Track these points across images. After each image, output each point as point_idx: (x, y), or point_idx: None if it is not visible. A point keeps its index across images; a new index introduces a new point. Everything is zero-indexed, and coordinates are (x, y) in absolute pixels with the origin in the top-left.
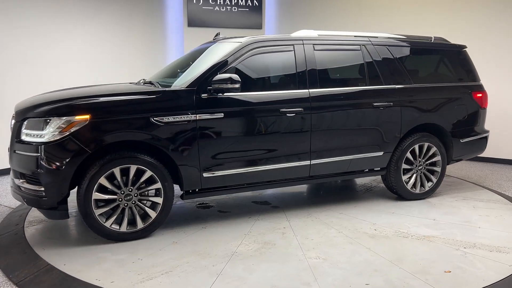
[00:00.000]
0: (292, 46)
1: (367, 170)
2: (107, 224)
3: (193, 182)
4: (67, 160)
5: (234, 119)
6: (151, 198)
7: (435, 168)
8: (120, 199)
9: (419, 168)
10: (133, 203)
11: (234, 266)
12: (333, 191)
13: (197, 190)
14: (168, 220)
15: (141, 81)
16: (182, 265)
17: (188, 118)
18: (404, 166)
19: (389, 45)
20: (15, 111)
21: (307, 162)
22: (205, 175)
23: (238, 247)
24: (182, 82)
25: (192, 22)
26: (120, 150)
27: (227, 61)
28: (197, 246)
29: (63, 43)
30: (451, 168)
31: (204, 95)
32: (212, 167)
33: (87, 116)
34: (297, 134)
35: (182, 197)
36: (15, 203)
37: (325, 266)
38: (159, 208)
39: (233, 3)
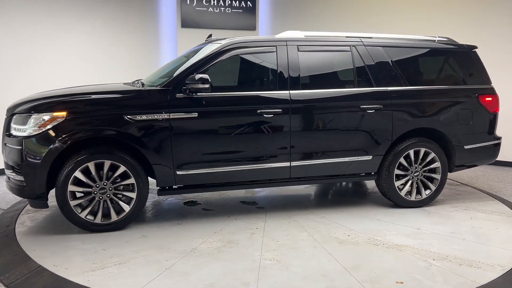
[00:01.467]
0: (274, 47)
1: (355, 174)
2: (82, 215)
3: (167, 179)
4: (44, 153)
5: (208, 119)
6: (125, 193)
7: (434, 175)
8: (95, 192)
9: (415, 174)
10: (107, 197)
11: (186, 262)
12: (340, 194)
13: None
14: (150, 214)
15: (136, 82)
16: (138, 257)
17: (161, 117)
18: (398, 172)
19: (384, 46)
20: (7, 108)
21: (286, 164)
22: (178, 173)
23: (200, 245)
24: (160, 82)
25: (186, 23)
26: (99, 146)
27: (205, 62)
28: (162, 241)
29: (56, 44)
30: (464, 176)
31: (179, 95)
32: (186, 165)
33: (64, 113)
34: (275, 136)
35: (158, 193)
36: (5, 204)
37: (274, 268)
38: (132, 203)
39: (226, 4)
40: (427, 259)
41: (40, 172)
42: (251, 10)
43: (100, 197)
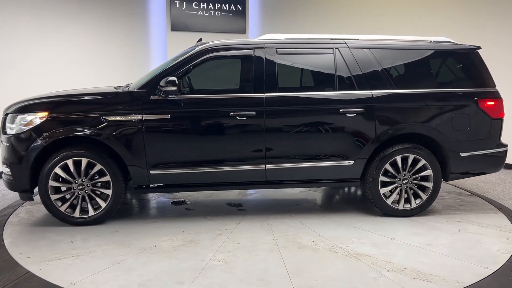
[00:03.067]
0: (252, 50)
1: (337, 179)
2: (62, 208)
3: (141, 178)
4: (27, 150)
5: (181, 121)
6: (101, 190)
7: (425, 184)
8: (74, 188)
9: (403, 182)
10: (86, 193)
11: (138, 258)
12: (334, 200)
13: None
14: (133, 211)
15: (127, 85)
16: (97, 251)
17: (134, 118)
18: (384, 178)
19: (371, 48)
20: (4, 109)
21: (261, 167)
22: (152, 172)
23: (162, 242)
24: (137, 84)
25: (176, 26)
26: (79, 145)
27: (181, 65)
28: (128, 237)
29: (43, 47)
30: (482, 183)
31: (153, 97)
32: (159, 165)
33: (45, 113)
34: (249, 138)
35: (134, 191)
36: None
37: (218, 269)
38: (108, 199)
39: (216, 8)
40: (380, 270)
41: (25, 168)
42: (241, 14)
43: (79, 193)
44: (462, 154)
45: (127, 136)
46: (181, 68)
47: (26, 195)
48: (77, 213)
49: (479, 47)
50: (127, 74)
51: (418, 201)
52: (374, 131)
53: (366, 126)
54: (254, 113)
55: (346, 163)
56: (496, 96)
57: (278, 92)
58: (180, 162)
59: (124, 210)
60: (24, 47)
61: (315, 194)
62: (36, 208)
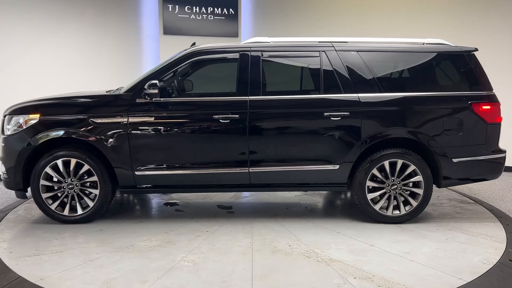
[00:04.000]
0: (237, 54)
1: (324, 184)
2: (52, 206)
3: (126, 178)
4: (19, 150)
5: (165, 123)
6: (89, 189)
7: (416, 190)
8: (64, 187)
9: (392, 188)
10: (75, 192)
11: (112, 257)
12: (328, 205)
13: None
14: (123, 210)
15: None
16: (76, 248)
17: (120, 120)
18: (372, 184)
19: (359, 51)
20: (4, 110)
21: (245, 170)
22: (137, 173)
23: (140, 242)
24: (126, 88)
25: (168, 30)
26: (69, 145)
27: (166, 69)
28: (110, 236)
29: (36, 51)
30: (490, 190)
31: (138, 100)
32: (144, 166)
33: (37, 115)
34: (232, 141)
35: (120, 191)
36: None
37: (184, 270)
38: (96, 199)
39: (209, 11)
40: (347, 277)
41: (18, 167)
42: (234, 17)
43: (68, 192)
44: (455, 160)
45: (112, 137)
46: (167, 71)
47: (21, 193)
48: (66, 212)
49: (475, 49)
50: (119, 77)
51: (408, 207)
52: (360, 135)
53: (351, 130)
54: (237, 116)
55: (331, 167)
56: (492, 100)
57: (262, 96)
58: (164, 164)
59: (115, 209)
60: (16, 51)
61: (310, 198)
62: (34, 206)
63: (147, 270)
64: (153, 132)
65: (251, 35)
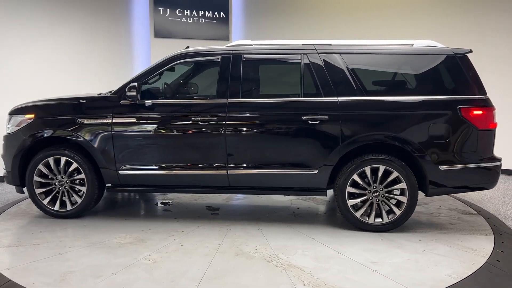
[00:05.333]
0: (219, 57)
1: (301, 188)
2: (45, 202)
3: (111, 177)
4: (16, 148)
5: (146, 124)
6: (77, 187)
7: (400, 198)
8: (55, 184)
9: (374, 195)
10: (65, 189)
11: (81, 251)
12: (320, 210)
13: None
14: (113, 207)
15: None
16: (54, 242)
17: (105, 121)
18: (352, 190)
19: (342, 53)
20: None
21: (223, 172)
22: (120, 172)
23: (114, 239)
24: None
25: (159, 33)
26: (60, 144)
27: (150, 72)
28: (90, 232)
29: (26, 54)
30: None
31: (123, 102)
32: (127, 166)
33: (32, 115)
34: (211, 143)
35: (105, 189)
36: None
37: (141, 268)
38: (83, 195)
39: (200, 15)
40: (296, 284)
41: (15, 164)
42: (225, 20)
43: (59, 188)
44: (442, 168)
45: (98, 137)
46: (150, 74)
47: (19, 188)
48: (57, 207)
49: (469, 51)
50: (110, 80)
51: (391, 216)
52: (339, 140)
53: (330, 134)
54: (216, 118)
55: (309, 171)
56: (484, 105)
57: (241, 98)
58: (146, 164)
59: (108, 206)
60: (5, 54)
61: (302, 203)
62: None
63: (106, 266)
64: (134, 133)
65: (242, 38)
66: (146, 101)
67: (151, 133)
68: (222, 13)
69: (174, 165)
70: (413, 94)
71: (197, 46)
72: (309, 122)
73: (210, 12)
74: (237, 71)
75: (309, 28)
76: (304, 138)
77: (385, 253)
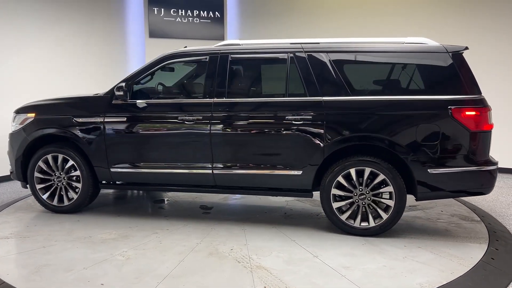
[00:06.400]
0: (207, 57)
1: (286, 189)
2: (44, 197)
3: (104, 174)
4: (18, 145)
5: (135, 123)
6: (73, 183)
7: (386, 202)
8: (54, 180)
9: (360, 197)
10: (62, 184)
11: (64, 245)
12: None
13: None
14: (113, 205)
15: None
16: (42, 235)
17: (97, 120)
18: (337, 192)
19: (329, 52)
20: None
21: (209, 171)
22: (112, 170)
23: (99, 234)
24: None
25: (154, 33)
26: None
27: (141, 72)
28: (81, 227)
29: (20, 54)
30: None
31: (114, 101)
32: (117, 163)
33: (33, 114)
34: (197, 142)
35: (99, 186)
36: None
37: (112, 264)
38: (79, 192)
39: (195, 15)
40: (257, 285)
41: (18, 160)
42: (219, 20)
43: (57, 184)
44: (431, 171)
45: (91, 135)
46: (141, 74)
47: (23, 183)
48: (55, 202)
49: (465, 48)
50: (105, 81)
51: (378, 220)
52: (323, 140)
53: (313, 135)
54: (201, 117)
55: (293, 172)
56: (478, 105)
57: (227, 98)
58: (135, 162)
59: (107, 203)
60: (1, 54)
61: (298, 204)
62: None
63: (82, 261)
64: (124, 131)
65: (237, 38)
66: (137, 101)
67: (139, 132)
68: (217, 12)
69: (161, 164)
70: (401, 94)
71: (193, 46)
72: (293, 122)
73: (205, 12)
74: (224, 71)
75: (305, 27)
76: (288, 138)
77: (362, 258)
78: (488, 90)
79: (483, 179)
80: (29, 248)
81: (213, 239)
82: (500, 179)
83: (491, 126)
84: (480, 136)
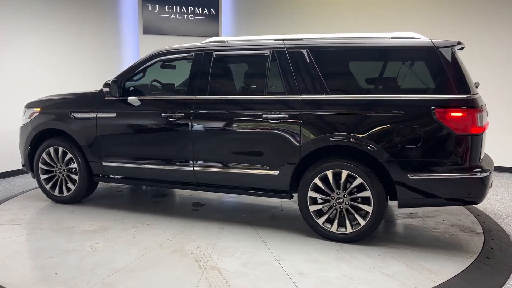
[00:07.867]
0: (192, 54)
1: (264, 189)
2: (48, 187)
3: (97, 168)
4: (26, 137)
5: (122, 119)
6: (72, 175)
7: (364, 207)
8: (55, 171)
9: (337, 202)
10: (63, 176)
11: (47, 234)
12: None
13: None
14: (112, 197)
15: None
16: (34, 223)
17: (90, 115)
18: (314, 195)
19: (311, 48)
20: None
21: (190, 168)
22: (104, 164)
23: (82, 225)
24: None
25: (148, 29)
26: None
27: (132, 69)
28: (73, 217)
29: (11, 53)
30: None
31: (107, 98)
32: (108, 158)
33: (39, 109)
34: (179, 139)
35: (94, 178)
36: None
37: (77, 255)
38: (76, 183)
39: (189, 11)
40: (201, 286)
41: (25, 152)
42: (214, 17)
43: (59, 176)
44: (411, 176)
45: (85, 130)
46: (131, 72)
47: (32, 174)
48: (56, 192)
49: (457, 43)
50: (99, 78)
51: (355, 226)
52: (299, 140)
53: (290, 134)
54: (183, 115)
55: (270, 173)
56: (465, 106)
57: (208, 96)
58: (123, 157)
59: (110, 195)
60: None
61: (295, 205)
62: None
63: (51, 249)
64: (113, 126)
65: (232, 35)
66: (129, 97)
67: (126, 128)
68: (211, 9)
69: (146, 159)
70: (383, 93)
71: (189, 43)
72: (270, 120)
73: (200, 8)
74: (207, 68)
75: (299, 24)
76: (264, 137)
77: (325, 265)
78: (485, 88)
79: (471, 187)
80: (13, 235)
81: (185, 236)
82: (495, 178)
83: (482, 128)
84: (468, 140)
